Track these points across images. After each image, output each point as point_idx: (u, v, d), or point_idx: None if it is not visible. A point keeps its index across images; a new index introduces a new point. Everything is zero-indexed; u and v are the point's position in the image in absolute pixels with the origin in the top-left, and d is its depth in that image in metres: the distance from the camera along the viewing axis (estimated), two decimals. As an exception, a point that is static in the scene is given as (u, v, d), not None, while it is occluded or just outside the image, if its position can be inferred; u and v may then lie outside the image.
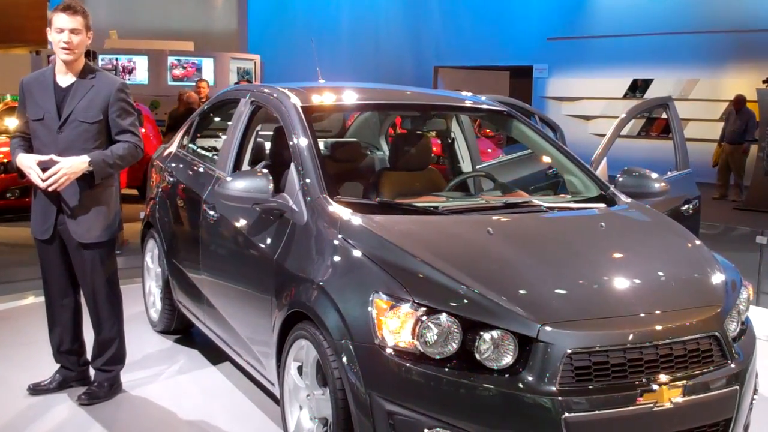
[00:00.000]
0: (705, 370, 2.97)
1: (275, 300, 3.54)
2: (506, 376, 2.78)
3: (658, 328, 2.93)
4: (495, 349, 2.80)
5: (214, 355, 4.83)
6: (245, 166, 4.48)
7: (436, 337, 2.81)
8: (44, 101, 3.89)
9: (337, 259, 3.24)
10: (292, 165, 3.74)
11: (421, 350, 2.82)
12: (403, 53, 22.91)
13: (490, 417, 2.76)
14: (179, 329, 5.22)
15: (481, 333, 2.80)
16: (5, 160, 10.00)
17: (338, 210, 3.43)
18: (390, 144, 4.97)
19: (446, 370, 2.79)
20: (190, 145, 5.30)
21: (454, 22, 22.00)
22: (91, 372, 4.29)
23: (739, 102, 13.80)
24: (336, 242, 3.28)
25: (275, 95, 4.28)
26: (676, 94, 17.83)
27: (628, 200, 4.05)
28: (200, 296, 4.53)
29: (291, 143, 3.88)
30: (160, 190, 5.23)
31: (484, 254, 3.21)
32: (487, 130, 14.61)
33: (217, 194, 3.74)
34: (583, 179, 4.25)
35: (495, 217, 3.61)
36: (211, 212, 4.30)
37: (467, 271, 3.02)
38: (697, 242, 3.69)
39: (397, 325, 2.86)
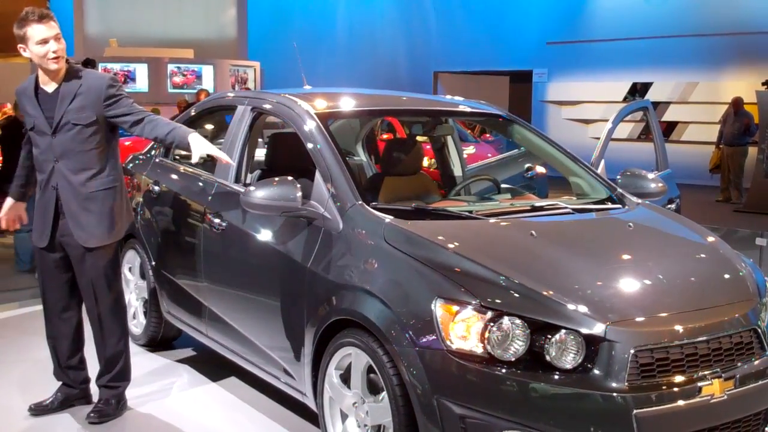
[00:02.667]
0: (749, 362, 3.08)
1: (310, 308, 3.50)
2: (576, 375, 2.82)
3: (709, 323, 3.04)
4: (563, 349, 2.85)
5: (214, 367, 4.77)
6: (245, 173, 4.41)
7: (505, 340, 2.85)
8: (32, 110, 3.83)
9: (387, 265, 3.23)
10: (318, 173, 3.72)
11: (491, 353, 2.85)
12: (403, 59, 22.94)
13: (562, 416, 2.80)
14: (163, 342, 5.12)
15: (549, 334, 2.86)
16: (6, 169, 10.02)
17: (379, 216, 3.43)
18: (382, 149, 4.98)
19: (516, 371, 2.83)
20: (176, 153, 5.20)
21: (454, 27, 22.02)
22: (93, 390, 4.17)
23: (737, 104, 13.81)
24: (384, 249, 3.27)
25: (284, 103, 4.23)
26: (675, 97, 17.88)
27: (638, 201, 4.14)
28: (201, 307, 4.45)
29: (312, 151, 3.84)
30: (142, 199, 5.08)
31: (536, 256, 3.26)
32: (487, 135, 14.63)
33: (243, 202, 3.67)
34: (590, 181, 4.33)
35: (531, 220, 3.66)
36: (217, 221, 4.22)
37: (526, 273, 3.07)
38: (718, 239, 3.81)
39: (464, 329, 2.89)
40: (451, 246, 3.19)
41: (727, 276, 3.44)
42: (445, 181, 5.34)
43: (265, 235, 3.89)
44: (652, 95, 18.10)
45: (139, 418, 4.12)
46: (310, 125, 3.95)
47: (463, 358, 2.86)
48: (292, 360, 3.69)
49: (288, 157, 4.61)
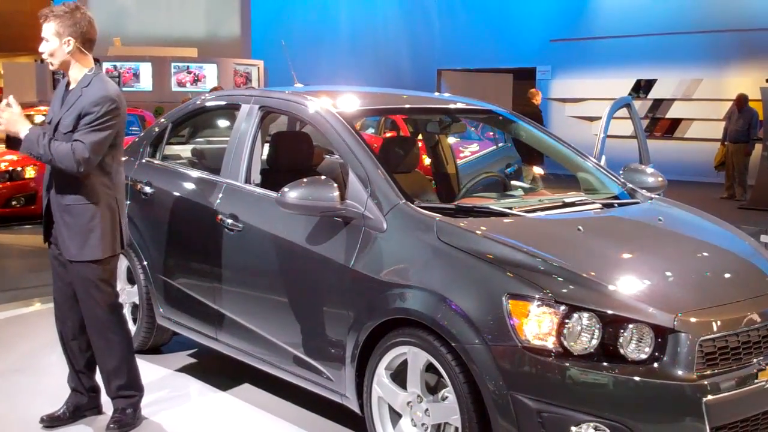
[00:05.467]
0: None
1: (354, 309, 3.47)
2: (647, 366, 2.89)
3: (759, 311, 3.14)
4: (634, 341, 2.91)
5: (222, 372, 4.69)
6: (256, 174, 4.33)
7: (579, 334, 2.91)
8: (54, 106, 3.81)
9: (445, 263, 3.23)
10: (351, 173, 3.68)
11: (566, 347, 2.90)
12: (406, 57, 22.93)
13: (637, 406, 2.87)
14: (153, 348, 4.99)
15: (620, 326, 2.91)
16: (10, 168, 10.05)
17: (429, 215, 3.43)
18: (380, 147, 4.99)
19: (591, 364, 2.88)
20: (166, 153, 5.12)
21: (457, 24, 22.02)
22: (104, 400, 4.06)
23: (741, 101, 13.79)
24: (438, 247, 3.27)
25: (302, 103, 4.18)
26: (679, 94, 17.85)
27: (649, 195, 4.26)
28: (210, 310, 4.33)
29: (342, 152, 3.82)
30: (129, 202, 4.81)
31: (592, 251, 3.34)
32: (490, 133, 14.62)
33: (279, 203, 3.63)
34: (599, 177, 4.40)
35: (573, 216, 3.73)
36: (230, 221, 4.12)
37: (590, 267, 3.13)
38: (738, 230, 3.97)
39: (538, 325, 2.93)
40: (513, 242, 3.23)
41: (763, 265, 3.56)
42: (438, 178, 5.31)
43: (293, 236, 3.81)
44: (656, 92, 18.10)
45: (156, 428, 4.03)
46: (336, 126, 3.90)
47: (538, 353, 2.90)
48: (330, 362, 3.64)
49: (291, 156, 4.59)
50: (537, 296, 2.96)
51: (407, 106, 4.86)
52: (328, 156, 5.41)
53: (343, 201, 3.57)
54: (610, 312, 2.93)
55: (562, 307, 2.93)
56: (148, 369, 4.68)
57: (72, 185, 3.71)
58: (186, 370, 4.87)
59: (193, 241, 4.50)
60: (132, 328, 4.84)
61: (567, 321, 2.91)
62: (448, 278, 3.19)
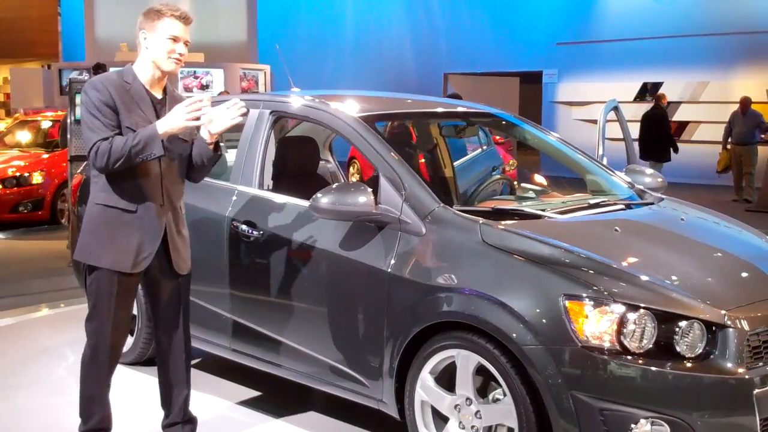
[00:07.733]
0: None
1: (394, 313, 3.45)
2: (701, 362, 3.00)
3: None
4: (687, 337, 3.00)
5: (229, 380, 4.63)
6: (269, 179, 4.27)
7: (637, 333, 2.98)
8: (147, 113, 3.39)
9: (493, 266, 3.26)
10: (382, 177, 3.67)
11: (625, 345, 2.97)
12: (412, 61, 22.92)
13: (692, 401, 2.95)
14: (149, 360, 4.72)
15: (675, 324, 3.01)
16: (17, 174, 10.09)
17: (471, 218, 3.46)
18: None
19: (650, 361, 2.96)
20: None
21: (463, 28, 22.00)
22: (115, 417, 3.77)
23: (745, 104, 13.86)
24: (484, 250, 3.30)
25: (320, 107, 4.11)
26: (686, 96, 17.83)
27: (660, 195, 4.34)
28: (223, 319, 4.24)
29: (370, 156, 3.79)
30: None
31: (636, 251, 3.44)
32: (497, 137, 14.61)
33: (313, 209, 3.60)
34: (608, 179, 4.46)
35: (605, 218, 3.82)
36: (246, 228, 4.04)
37: (639, 267, 3.24)
38: (752, 228, 4.09)
39: (597, 324, 2.99)
40: (561, 243, 3.28)
41: None
42: (435, 182, 5.23)
43: (320, 242, 3.77)
44: (662, 95, 18.09)
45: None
46: (361, 132, 3.87)
47: (597, 352, 2.96)
48: (365, 367, 3.61)
49: (299, 161, 4.59)
50: (594, 296, 3.01)
51: (425, 110, 4.85)
52: (321, 162, 5.41)
53: (376, 206, 3.56)
54: (664, 310, 3.01)
55: (619, 306, 2.99)
56: (153, 381, 4.57)
57: (182, 193, 3.62)
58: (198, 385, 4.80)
59: (201, 248, 4.30)
60: (129, 339, 4.67)
61: (624, 320, 2.97)
62: (499, 281, 3.21)
